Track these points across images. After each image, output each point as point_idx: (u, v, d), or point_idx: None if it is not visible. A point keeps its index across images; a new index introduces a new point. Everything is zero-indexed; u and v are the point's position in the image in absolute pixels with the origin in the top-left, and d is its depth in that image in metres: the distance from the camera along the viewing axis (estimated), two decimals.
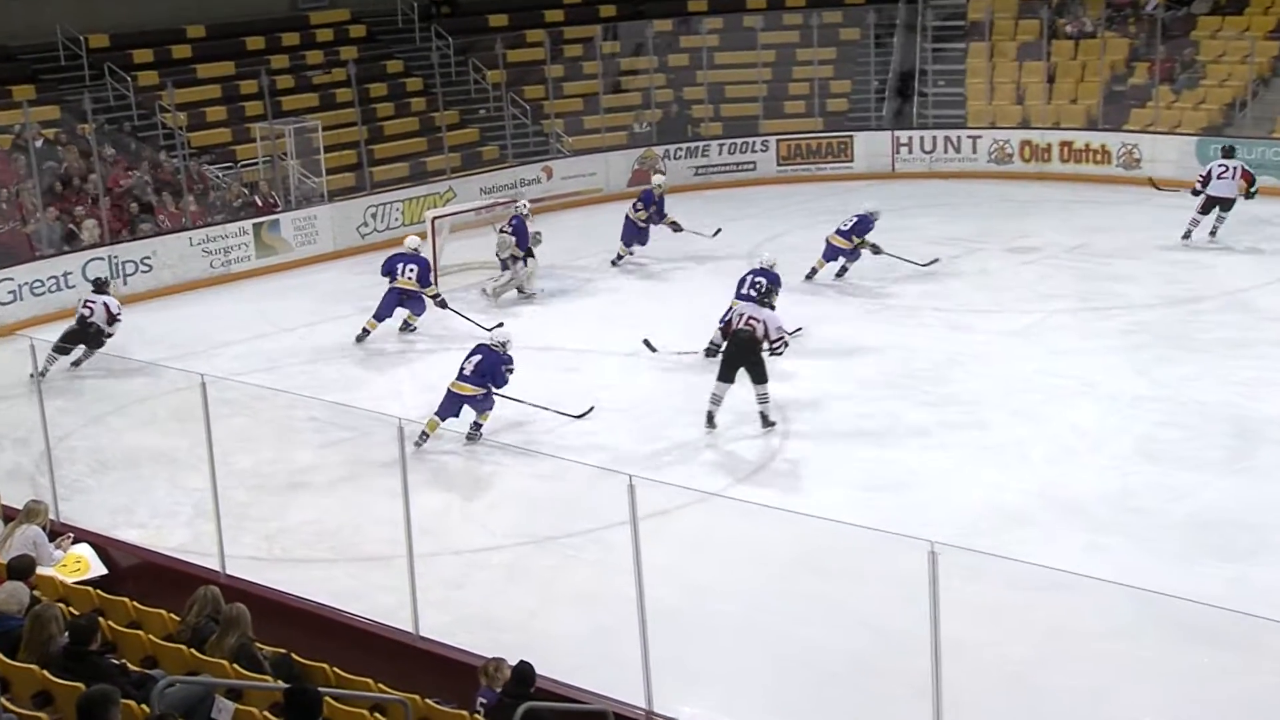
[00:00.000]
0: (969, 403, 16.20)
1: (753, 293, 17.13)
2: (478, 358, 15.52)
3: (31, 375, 15.73)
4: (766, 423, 15.49)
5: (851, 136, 28.82)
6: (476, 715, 8.93)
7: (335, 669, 9.22)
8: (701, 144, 28.65)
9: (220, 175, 24.78)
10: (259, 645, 9.18)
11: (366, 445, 15.24)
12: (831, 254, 20.84)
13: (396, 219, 25.06)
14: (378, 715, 8.76)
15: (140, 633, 9.55)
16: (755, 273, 17.79)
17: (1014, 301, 19.87)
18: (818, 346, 18.30)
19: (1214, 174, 21.82)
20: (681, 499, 12.92)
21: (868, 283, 21.00)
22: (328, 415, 16.23)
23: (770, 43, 29.97)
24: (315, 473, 15.08)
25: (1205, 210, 21.90)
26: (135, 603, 10.20)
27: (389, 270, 19.53)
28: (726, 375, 15.59)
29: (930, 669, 8.35)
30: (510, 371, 15.60)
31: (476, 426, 15.67)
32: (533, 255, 21.32)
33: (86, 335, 18.23)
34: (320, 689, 8.17)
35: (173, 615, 9.78)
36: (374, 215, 24.95)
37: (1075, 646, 10.95)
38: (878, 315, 19.61)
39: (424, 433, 15.31)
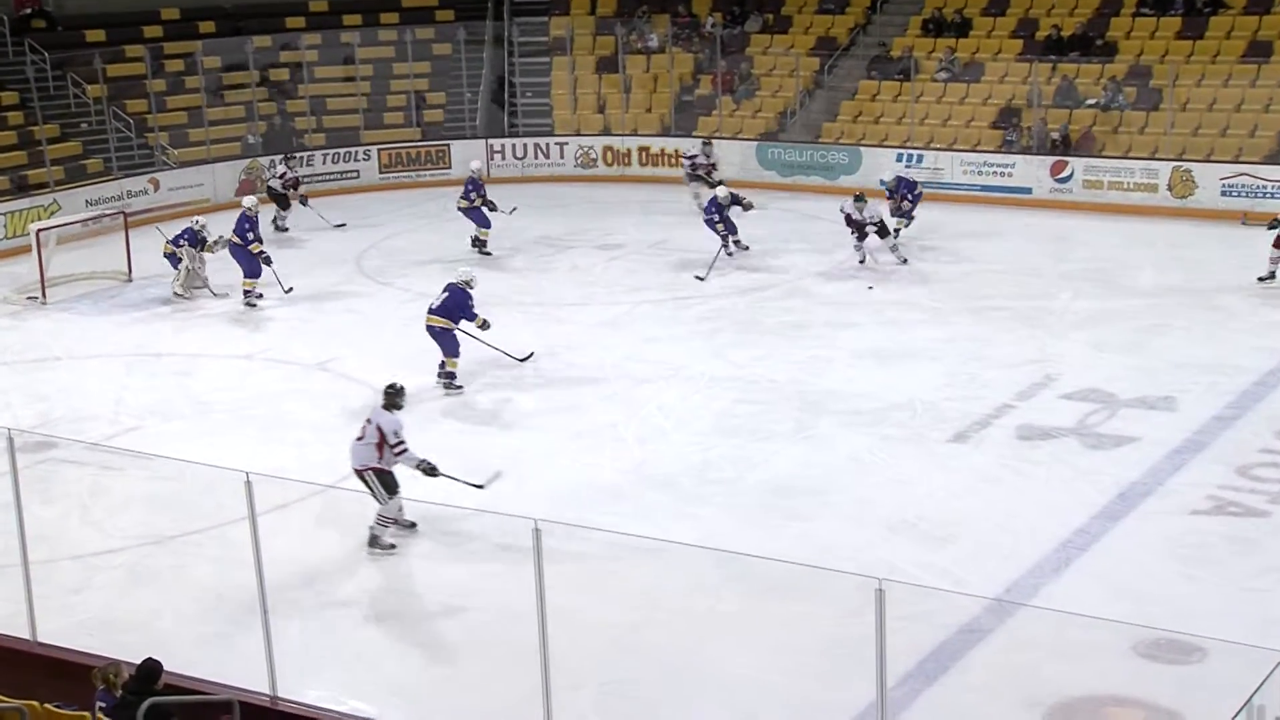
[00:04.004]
0: (566, 389, 16.42)
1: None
2: (445, 294, 16.28)
3: None
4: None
5: (449, 145, 28.79)
6: (99, 717, 8.49)
7: None
8: (306, 154, 28.02)
9: None
10: None
11: None
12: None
13: None
14: None
15: None
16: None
17: (603, 294, 20.26)
18: (424, 341, 18.19)
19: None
20: (298, 493, 12.61)
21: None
22: None
23: (367, 57, 29.66)
24: None
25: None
26: None
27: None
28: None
29: (538, 635, 8.44)
30: (472, 305, 16.20)
31: (449, 375, 16.25)
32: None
33: None
34: None
35: None
36: None
37: (667, 606, 11.25)
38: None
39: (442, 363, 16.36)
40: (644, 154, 28.26)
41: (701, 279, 20.42)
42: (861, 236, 20.78)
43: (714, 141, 25.46)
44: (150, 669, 8.70)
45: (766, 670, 10.41)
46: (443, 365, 16.42)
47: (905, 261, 20.79)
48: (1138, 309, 18.53)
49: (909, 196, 21.80)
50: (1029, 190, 24.68)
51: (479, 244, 22.58)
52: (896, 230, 21.37)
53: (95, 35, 28.55)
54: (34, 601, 10.26)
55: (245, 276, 20.14)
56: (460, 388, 16.31)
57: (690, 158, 24.92)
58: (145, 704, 8.12)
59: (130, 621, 11.22)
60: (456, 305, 16.28)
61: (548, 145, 28.77)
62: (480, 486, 12.37)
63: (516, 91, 29.88)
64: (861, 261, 20.85)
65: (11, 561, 10.33)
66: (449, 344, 16.34)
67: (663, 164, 28.02)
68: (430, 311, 16.38)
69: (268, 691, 9.43)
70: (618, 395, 16.19)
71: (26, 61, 26.71)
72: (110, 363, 18.20)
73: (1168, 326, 17.77)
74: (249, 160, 27.41)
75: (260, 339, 18.82)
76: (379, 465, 12.18)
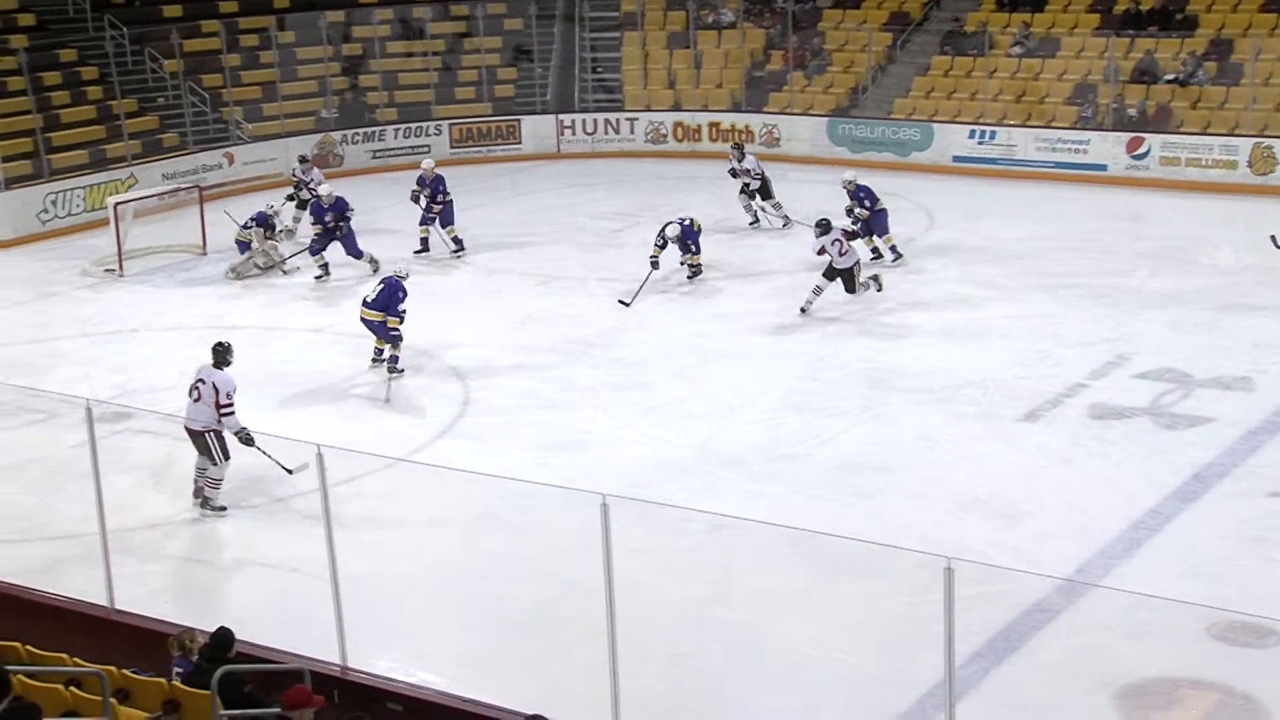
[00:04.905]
0: (634, 366, 16.45)
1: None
2: (380, 286, 16.16)
3: None
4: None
5: (519, 120, 28.89)
6: (175, 683, 8.62)
7: (29, 647, 8.78)
8: (378, 129, 28.26)
9: None
10: None
11: (56, 427, 14.51)
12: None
13: (78, 205, 23.92)
14: (74, 689, 8.37)
15: None
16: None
17: (672, 271, 20.21)
18: (493, 318, 18.31)
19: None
20: (369, 465, 12.74)
21: (538, 257, 21.08)
22: (15, 399, 15.38)
23: (439, 33, 29.79)
24: (3, 455, 14.27)
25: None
26: None
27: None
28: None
29: (606, 611, 8.46)
30: (403, 300, 15.94)
31: (393, 360, 16.02)
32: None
33: None
34: (11, 667, 7.74)
35: None
36: (54, 202, 23.73)
37: (737, 583, 11.26)
38: (547, 286, 19.70)
39: (377, 349, 16.30)
40: (714, 130, 28.18)
41: (626, 304, 18.63)
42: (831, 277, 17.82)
43: (744, 146, 23.06)
44: (224, 636, 8.81)
45: (834, 647, 10.40)
46: (380, 352, 16.29)
47: (879, 288, 18.27)
48: (1214, 288, 18.27)
49: (865, 203, 19.71)
50: (1104, 167, 24.38)
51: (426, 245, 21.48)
52: (887, 254, 19.88)
53: (172, 11, 28.88)
54: (111, 569, 10.43)
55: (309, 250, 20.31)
56: (402, 370, 16.11)
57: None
58: (219, 672, 8.22)
59: (203, 589, 11.39)
60: (386, 299, 16.04)
61: (618, 120, 28.77)
62: (290, 471, 12.63)
63: (587, 67, 29.90)
64: (802, 311, 17.93)
65: (90, 530, 10.49)
66: (388, 332, 16.13)
67: (734, 140, 27.89)
68: (364, 304, 16.22)
69: (338, 661, 9.53)
70: (686, 372, 16.18)
71: (106, 37, 27.03)
72: (185, 335, 18.40)
73: (1245, 306, 17.51)
74: (322, 135, 27.62)
75: (330, 313, 18.97)
76: (219, 427, 12.44)
